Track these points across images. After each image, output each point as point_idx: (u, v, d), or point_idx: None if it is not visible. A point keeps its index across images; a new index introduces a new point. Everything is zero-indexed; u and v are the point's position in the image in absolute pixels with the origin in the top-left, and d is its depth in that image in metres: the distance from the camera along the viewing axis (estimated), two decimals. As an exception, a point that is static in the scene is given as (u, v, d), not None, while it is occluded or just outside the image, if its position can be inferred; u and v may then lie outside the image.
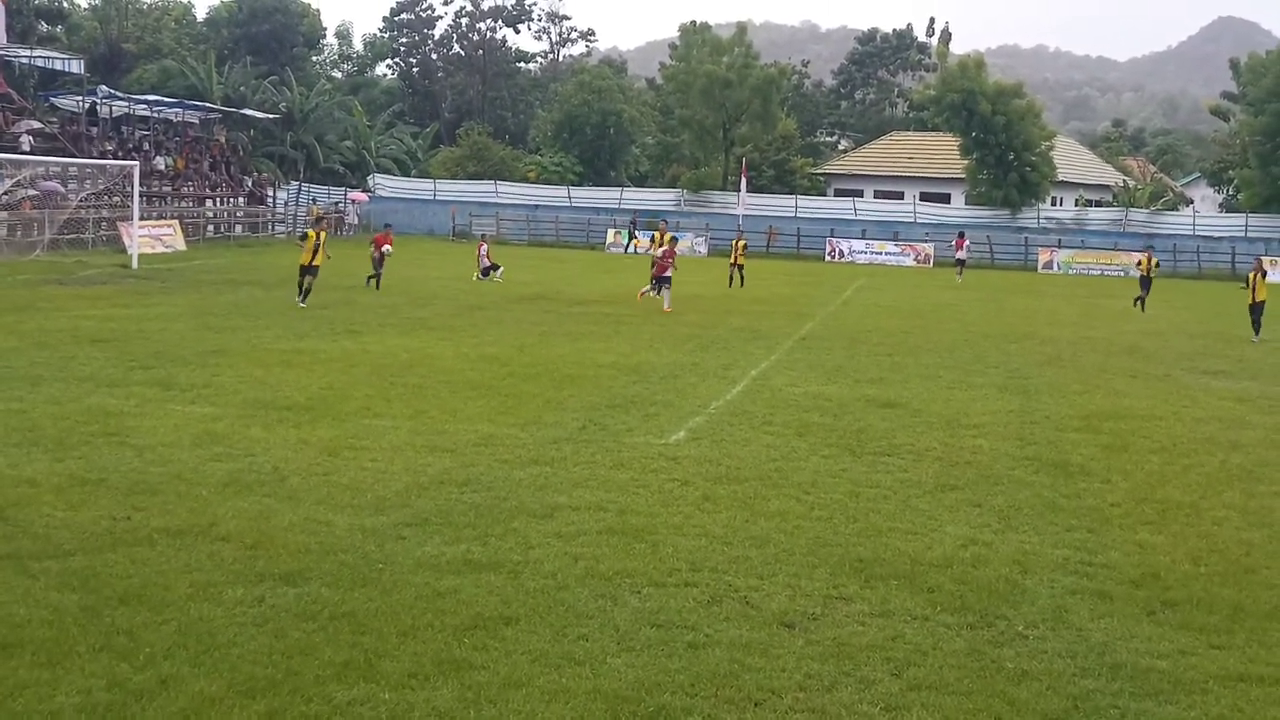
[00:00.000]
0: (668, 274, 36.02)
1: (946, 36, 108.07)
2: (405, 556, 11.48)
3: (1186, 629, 10.45)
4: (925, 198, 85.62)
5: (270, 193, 75.04)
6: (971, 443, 18.02)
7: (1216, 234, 76.42)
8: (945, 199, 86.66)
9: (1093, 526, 13.59)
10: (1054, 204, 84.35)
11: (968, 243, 64.26)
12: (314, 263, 33.30)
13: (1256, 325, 34.44)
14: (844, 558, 12.00)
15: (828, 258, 74.19)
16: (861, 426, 18.95)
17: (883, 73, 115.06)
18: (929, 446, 17.59)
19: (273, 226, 71.17)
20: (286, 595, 10.32)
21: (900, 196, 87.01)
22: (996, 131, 76.88)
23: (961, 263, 62.25)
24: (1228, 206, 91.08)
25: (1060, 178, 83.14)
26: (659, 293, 36.16)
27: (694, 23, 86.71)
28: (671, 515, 13.29)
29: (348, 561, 11.25)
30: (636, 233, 39.50)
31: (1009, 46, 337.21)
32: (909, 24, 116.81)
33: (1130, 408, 21.87)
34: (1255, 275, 35.07)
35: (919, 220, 79.52)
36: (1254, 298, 34.67)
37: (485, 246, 47.22)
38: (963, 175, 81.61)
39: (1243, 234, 75.10)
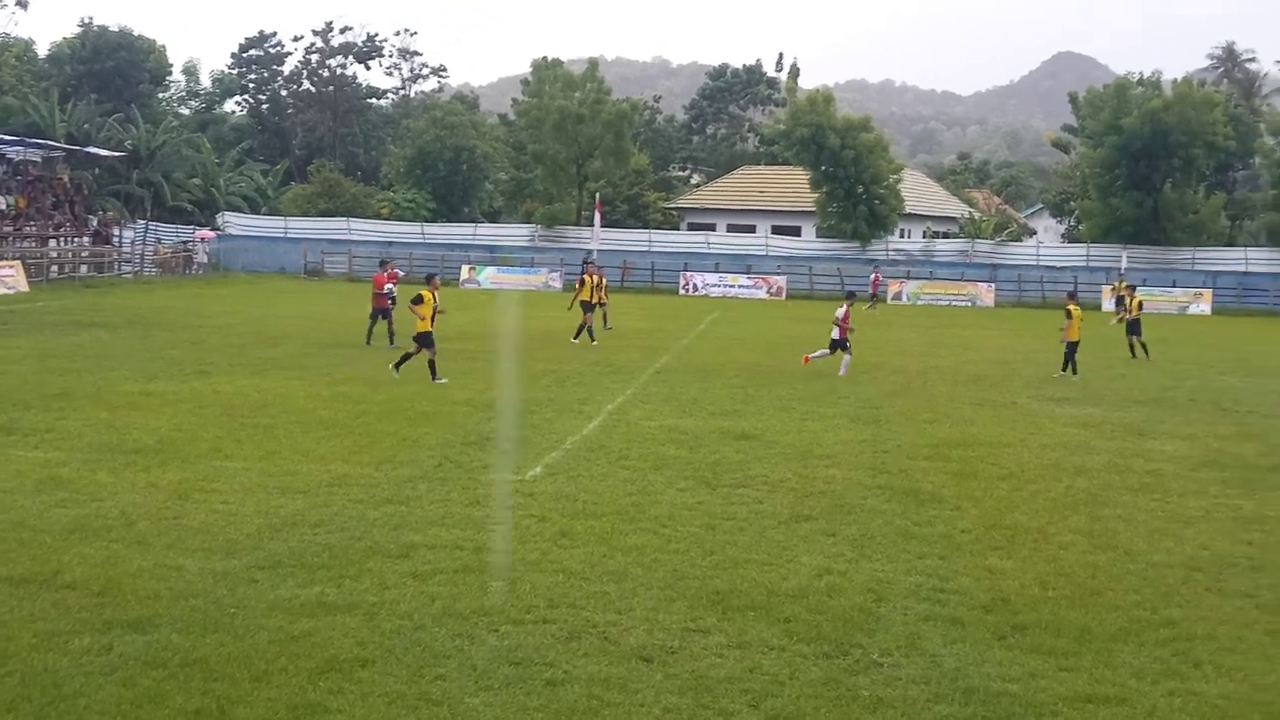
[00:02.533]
0: (846, 337, 31.84)
1: (795, 71, 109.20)
2: (258, 600, 11.32)
3: (1036, 652, 10.65)
4: (777, 231, 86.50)
5: (116, 232, 73.53)
6: (825, 473, 18.22)
7: (1059, 264, 78.24)
8: (796, 232, 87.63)
9: (944, 553, 13.80)
10: (902, 236, 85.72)
11: (881, 278, 65.10)
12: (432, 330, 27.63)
13: (1068, 362, 32.54)
14: (701, 590, 12.06)
15: (682, 291, 74.59)
16: (717, 459, 19.07)
17: (734, 107, 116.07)
18: (783, 477, 17.75)
19: (119, 266, 69.72)
20: (135, 643, 10.11)
21: (752, 230, 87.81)
22: (846, 165, 77.95)
23: (875, 297, 62.72)
24: (1070, 237, 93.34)
25: (908, 210, 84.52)
26: (833, 352, 31.96)
27: (546, 58, 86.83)
28: (528, 552, 13.26)
29: (199, 607, 11.06)
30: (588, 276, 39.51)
31: (857, 81, 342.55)
32: (758, 59, 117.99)
33: (978, 435, 22.27)
34: (1074, 307, 33.12)
35: (771, 253, 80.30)
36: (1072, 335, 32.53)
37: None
38: (813, 208, 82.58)
39: (1084, 264, 76.96)
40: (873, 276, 65.12)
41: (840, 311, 32.09)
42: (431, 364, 27.26)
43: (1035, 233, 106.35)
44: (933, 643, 10.81)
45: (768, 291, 74.46)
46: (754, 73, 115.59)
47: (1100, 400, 28.05)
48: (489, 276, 75.22)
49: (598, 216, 76.97)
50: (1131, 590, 12.62)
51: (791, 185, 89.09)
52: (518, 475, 17.38)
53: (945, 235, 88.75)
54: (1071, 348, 32.67)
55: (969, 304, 71.87)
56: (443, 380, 26.82)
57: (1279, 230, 79.28)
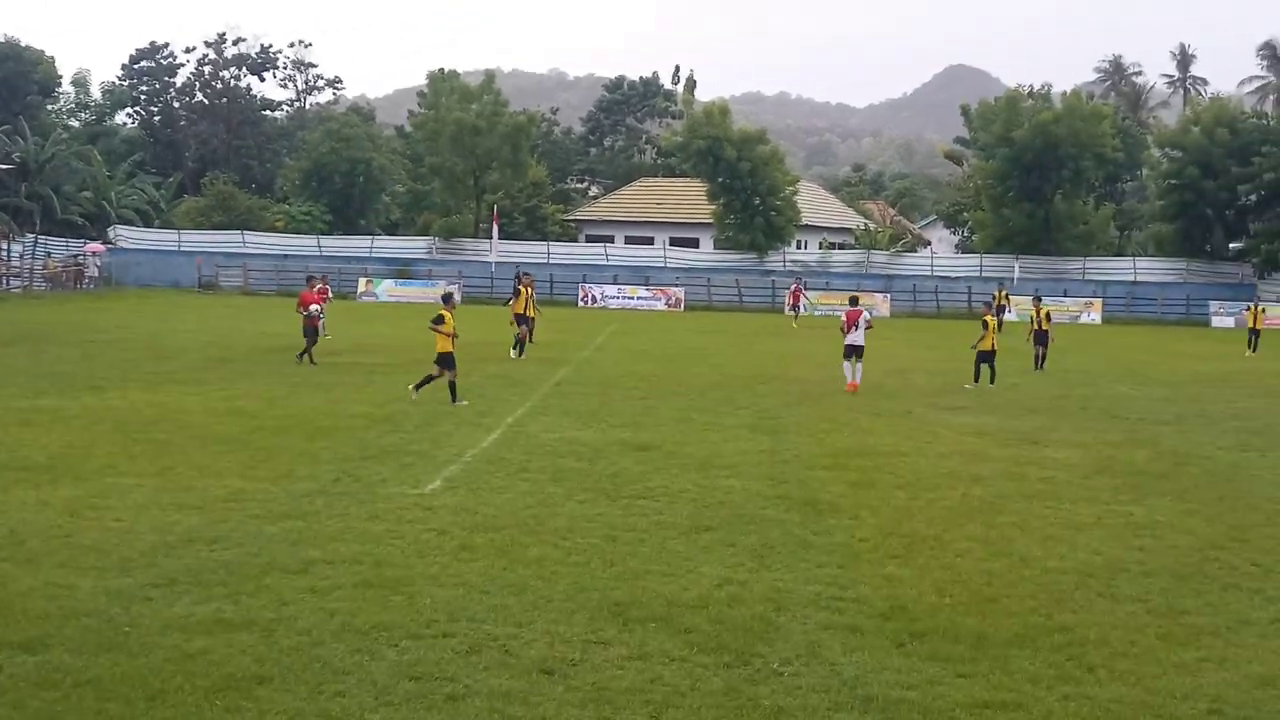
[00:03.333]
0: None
1: (691, 84, 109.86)
2: (153, 618, 11.15)
3: (934, 659, 10.74)
4: (675, 242, 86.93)
5: (4, 246, 72.25)
6: (724, 483, 18.28)
7: (954, 274, 79.32)
8: (694, 244, 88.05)
9: (843, 562, 13.89)
10: (799, 247, 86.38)
11: (803, 290, 65.28)
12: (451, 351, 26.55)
13: (992, 372, 32.72)
14: (602, 602, 12.05)
15: (581, 303, 74.74)
16: (617, 470, 19.07)
17: (631, 120, 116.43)
18: (683, 488, 17.79)
19: (7, 281, 68.58)
20: (26, 664, 9.91)
21: (650, 242, 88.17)
22: (742, 177, 78.47)
23: (796, 309, 62.42)
24: (963, 247, 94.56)
25: (804, 221, 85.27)
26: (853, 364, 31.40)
27: (442, 70, 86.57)
28: (428, 566, 13.18)
29: (92, 626, 10.87)
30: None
31: (753, 93, 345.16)
32: (655, 72, 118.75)
33: (876, 445, 22.45)
34: (990, 318, 33.22)
35: (669, 265, 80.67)
36: (991, 344, 32.65)
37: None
38: (711, 220, 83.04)
39: (978, 274, 77.99)
40: (792, 288, 64.95)
41: (868, 316, 31.78)
42: (452, 385, 26.40)
43: (929, 243, 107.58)
44: (832, 651, 10.87)
45: (666, 303, 74.77)
46: (651, 85, 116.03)
47: (995, 409, 28.39)
48: (386, 289, 74.80)
49: (495, 229, 76.95)
50: (1027, 596, 12.77)
51: (689, 197, 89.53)
52: (417, 489, 17.29)
53: (841, 246, 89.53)
54: (987, 357, 32.67)
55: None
56: (463, 402, 26.11)
57: (1166, 240, 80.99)
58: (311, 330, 34.66)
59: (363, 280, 76.62)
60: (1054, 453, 22.21)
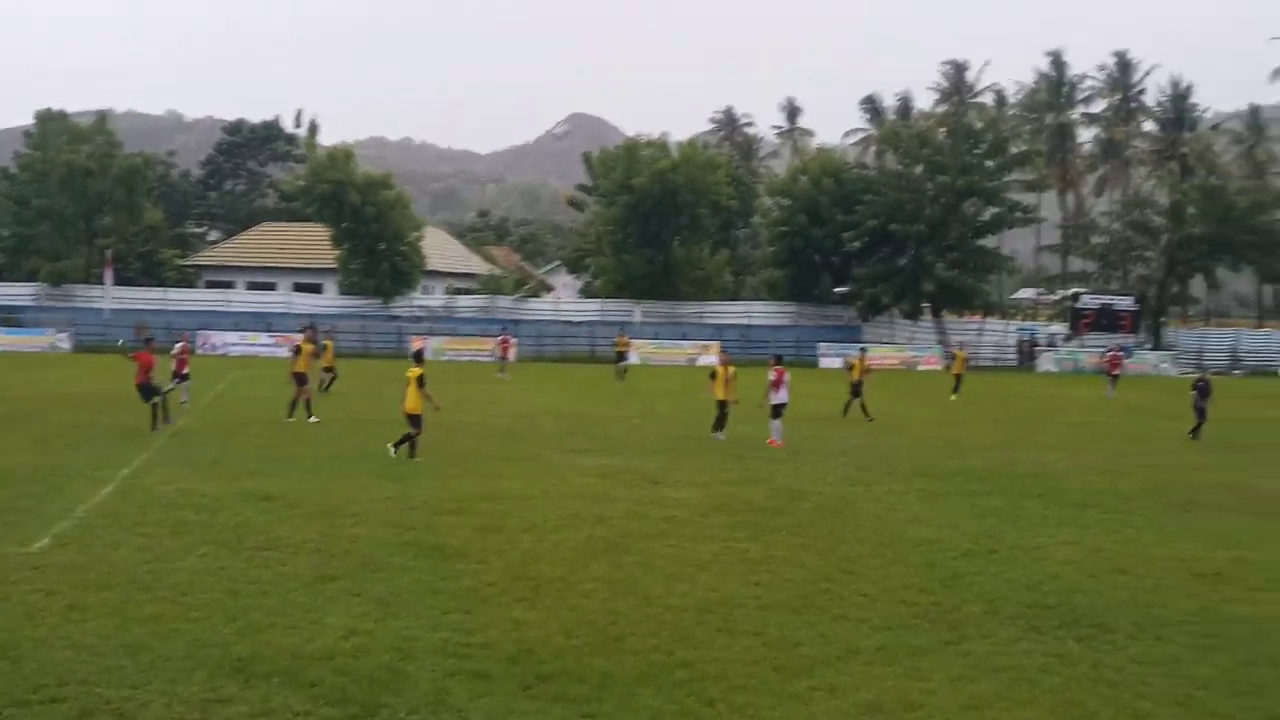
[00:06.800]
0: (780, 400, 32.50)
1: (314, 128, 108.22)
2: None
3: (561, 700, 10.87)
4: (299, 288, 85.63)
5: None
6: (350, 531, 18.08)
7: (577, 319, 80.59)
8: (318, 289, 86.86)
9: (470, 607, 13.91)
10: (425, 293, 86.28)
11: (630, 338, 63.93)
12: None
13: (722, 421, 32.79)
14: (223, 658, 11.74)
15: (200, 351, 72.60)
16: (239, 521, 18.63)
17: (252, 163, 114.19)
18: (308, 538, 17.50)
19: None
20: None
21: (273, 287, 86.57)
22: (367, 222, 77.98)
23: (622, 356, 60.78)
24: (586, 292, 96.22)
25: (430, 267, 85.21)
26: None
27: (51, 110, 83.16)
28: (35, 628, 12.58)
29: None
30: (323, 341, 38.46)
31: (377, 138, 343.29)
32: (276, 115, 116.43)
33: (503, 489, 22.58)
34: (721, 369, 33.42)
35: (293, 310, 79.37)
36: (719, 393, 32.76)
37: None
38: (335, 265, 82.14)
39: (600, 318, 79.49)
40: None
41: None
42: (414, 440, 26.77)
43: (554, 289, 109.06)
44: (459, 697, 10.87)
45: (290, 350, 73.40)
46: (272, 128, 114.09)
47: (620, 450, 28.94)
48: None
49: (108, 274, 74.34)
50: (650, 634, 13.05)
51: (313, 242, 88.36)
52: (24, 548, 16.46)
53: (467, 291, 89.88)
54: (722, 406, 32.57)
55: (492, 359, 72.84)
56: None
57: (778, 285, 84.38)
58: (152, 389, 31.44)
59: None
60: (675, 492, 22.79)
